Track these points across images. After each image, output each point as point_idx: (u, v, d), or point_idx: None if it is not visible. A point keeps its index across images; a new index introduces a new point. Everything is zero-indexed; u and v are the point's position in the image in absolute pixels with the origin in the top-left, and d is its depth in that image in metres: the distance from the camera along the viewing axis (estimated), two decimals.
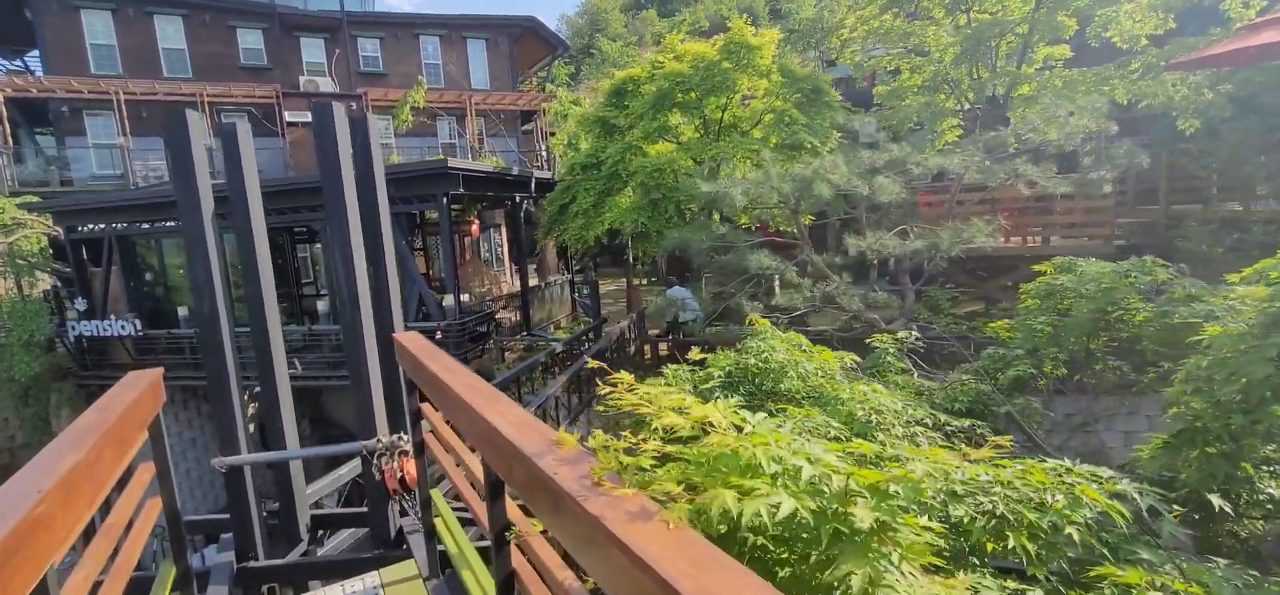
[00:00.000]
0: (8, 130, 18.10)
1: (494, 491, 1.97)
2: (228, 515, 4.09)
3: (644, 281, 19.19)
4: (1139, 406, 6.63)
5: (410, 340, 3.09)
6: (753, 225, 11.97)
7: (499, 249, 21.62)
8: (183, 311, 14.72)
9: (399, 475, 3.85)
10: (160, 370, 2.85)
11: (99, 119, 19.25)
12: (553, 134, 19.99)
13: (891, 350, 5.24)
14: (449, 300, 12.67)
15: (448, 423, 3.98)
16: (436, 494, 3.44)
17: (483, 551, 3.13)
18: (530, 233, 17.07)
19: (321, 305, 14.06)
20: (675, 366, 4.23)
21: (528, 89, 25.73)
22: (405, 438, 3.95)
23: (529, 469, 1.45)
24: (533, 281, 17.06)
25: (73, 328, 14.41)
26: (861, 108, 14.32)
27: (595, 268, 24.79)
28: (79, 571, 1.97)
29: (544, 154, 21.19)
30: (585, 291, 21.79)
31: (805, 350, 3.82)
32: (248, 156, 3.97)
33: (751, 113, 13.22)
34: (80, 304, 14.50)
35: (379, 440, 3.90)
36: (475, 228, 18.07)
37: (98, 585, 2.20)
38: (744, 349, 3.85)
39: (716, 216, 12.18)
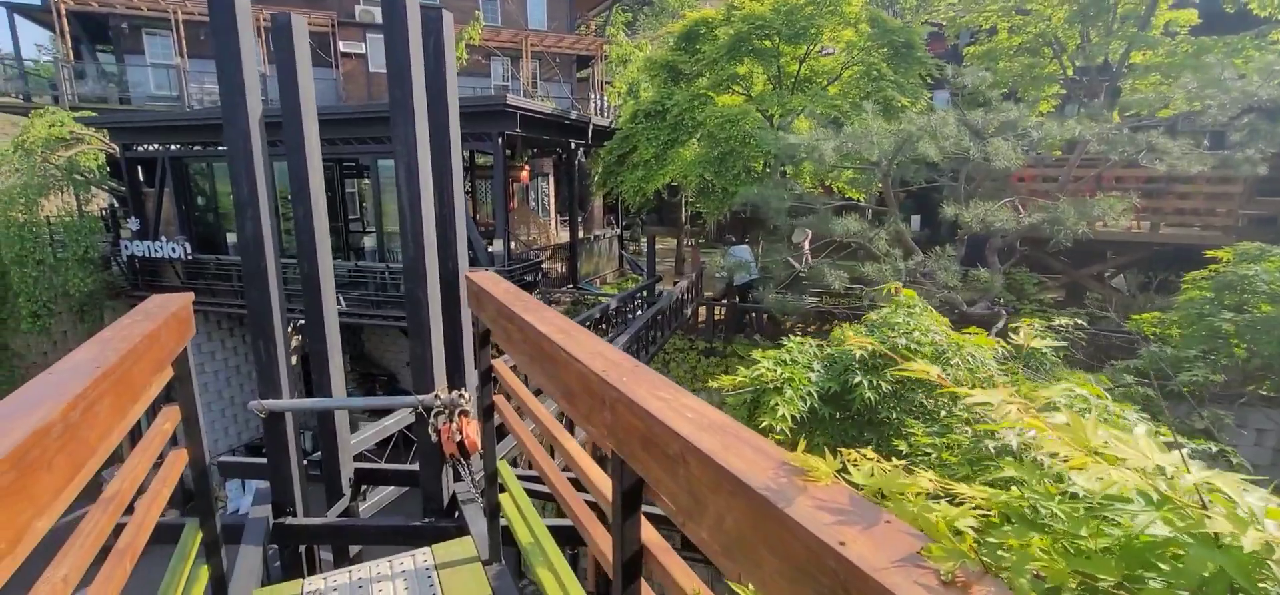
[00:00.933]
0: (69, 45, 18.12)
1: (628, 502, 1.38)
2: (265, 461, 3.65)
3: (693, 242, 18.43)
4: None
5: (488, 281, 2.50)
6: (816, 188, 11.09)
7: (545, 199, 21.08)
8: (232, 238, 14.62)
9: (458, 438, 3.33)
10: (189, 296, 2.33)
11: (157, 39, 19.17)
12: (609, 83, 19.13)
13: (1045, 339, 4.40)
14: (497, 246, 12.20)
15: (533, 389, 3.36)
16: (505, 469, 2.89)
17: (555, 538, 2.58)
18: (580, 185, 16.43)
19: (368, 241, 13.76)
20: (798, 339, 3.59)
21: (585, 33, 24.80)
22: (466, 395, 3.42)
23: (763, 516, 0.84)
24: (580, 235, 16.49)
25: (125, 247, 14.46)
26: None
27: (642, 225, 24.12)
28: (84, 534, 1.48)
29: (599, 102, 20.37)
30: (631, 248, 21.18)
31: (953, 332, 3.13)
32: (303, 57, 3.40)
33: (829, 67, 12.21)
34: (133, 224, 14.51)
35: (437, 396, 3.37)
36: (525, 174, 17.51)
37: (107, 549, 1.72)
38: (885, 324, 3.18)
39: (792, 176, 11.33)
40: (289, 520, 3.54)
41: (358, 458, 4.68)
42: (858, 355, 3.03)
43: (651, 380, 1.30)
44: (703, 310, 10.83)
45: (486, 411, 2.79)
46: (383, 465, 4.40)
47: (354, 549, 4.05)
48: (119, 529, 1.72)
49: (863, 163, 8.10)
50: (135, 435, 2.03)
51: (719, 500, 0.94)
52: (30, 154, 14.09)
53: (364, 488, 4.41)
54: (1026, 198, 9.62)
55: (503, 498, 2.92)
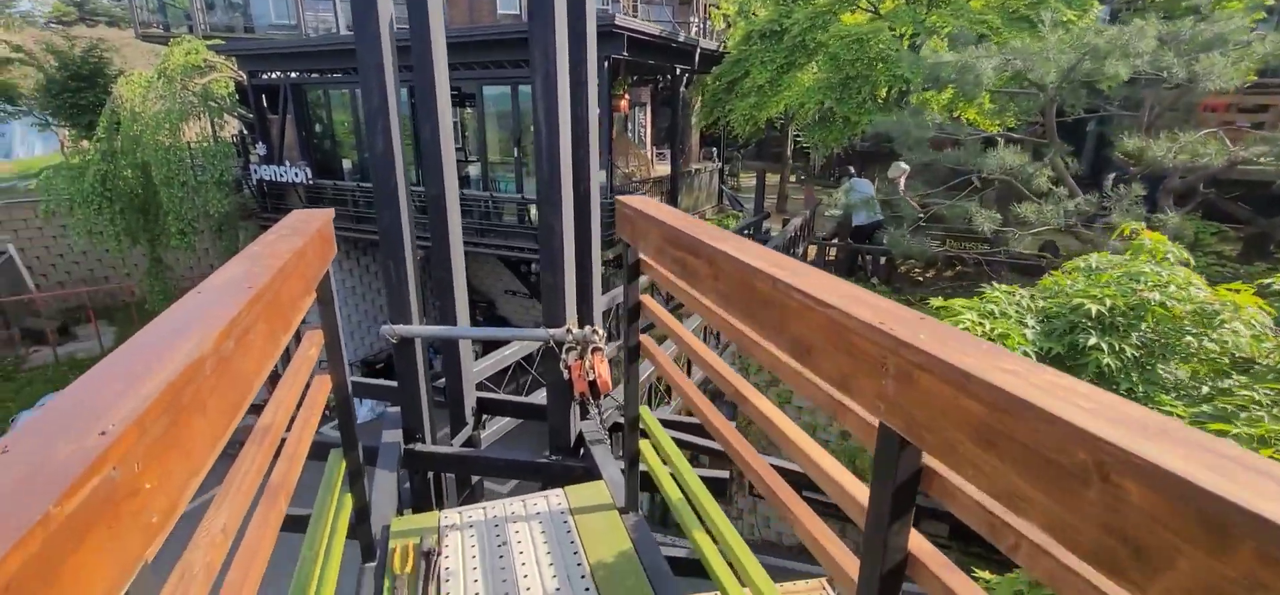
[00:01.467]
0: None
1: (900, 500, 1.03)
2: (395, 385, 3.60)
3: (805, 178, 17.44)
4: None
5: (649, 206, 2.16)
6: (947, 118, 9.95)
7: (642, 130, 20.54)
8: (347, 165, 15.20)
9: (590, 377, 3.10)
10: (330, 212, 2.14)
11: None
12: (715, 5, 18.03)
13: None
14: (600, 176, 11.94)
15: (695, 337, 3.00)
16: (648, 415, 2.62)
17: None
18: (680, 116, 15.78)
19: (472, 170, 13.89)
20: (1005, 288, 3.04)
21: None
22: (600, 333, 3.17)
23: None
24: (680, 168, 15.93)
25: (255, 171, 15.38)
26: None
27: (742, 159, 23.15)
28: (240, 474, 1.32)
29: (703, 25, 19.33)
30: (731, 182, 20.39)
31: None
32: None
33: None
34: (260, 149, 15.36)
35: (569, 331, 3.14)
36: (624, 103, 17.02)
37: (264, 481, 1.59)
38: (1126, 275, 2.57)
39: (916, 103, 10.24)
40: (418, 447, 3.49)
41: (479, 387, 4.63)
42: (1093, 311, 2.45)
43: (964, 342, 0.92)
44: (812, 250, 10.18)
45: (632, 352, 2.51)
46: (505, 396, 4.32)
47: (475, 479, 4.00)
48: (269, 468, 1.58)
49: (1024, 86, 7.04)
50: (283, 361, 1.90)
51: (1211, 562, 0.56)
52: (171, 81, 15.09)
53: (484, 417, 4.34)
54: (1217, 129, 8.21)
55: (644, 446, 2.67)
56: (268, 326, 1.30)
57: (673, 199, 14.62)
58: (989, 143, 7.12)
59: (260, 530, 1.42)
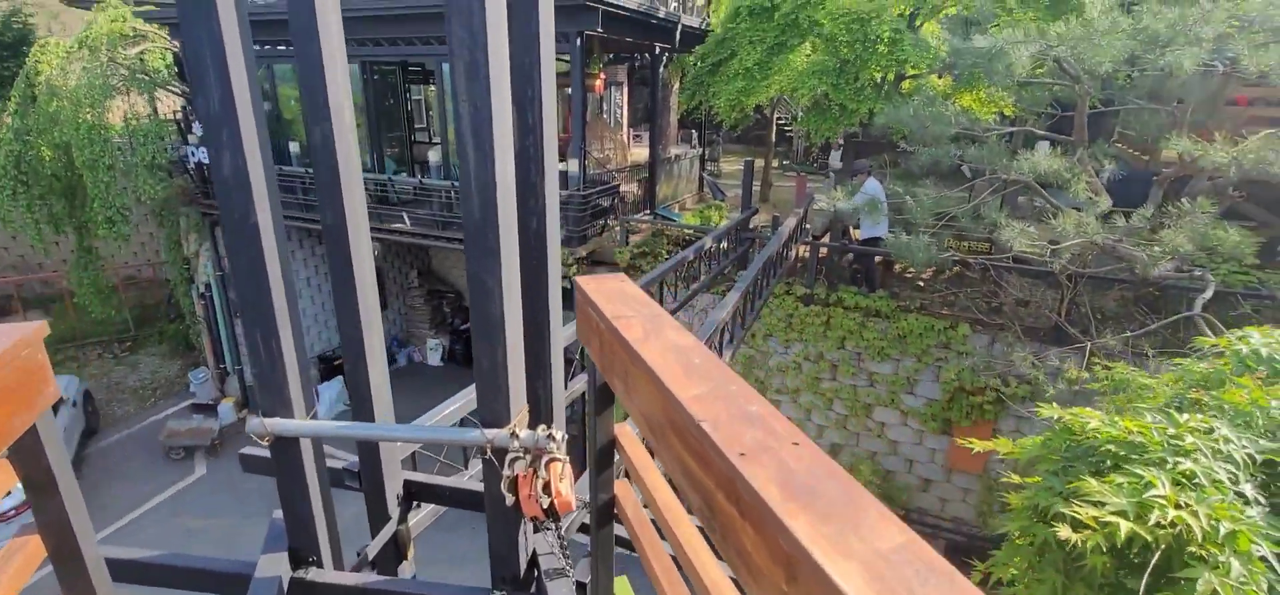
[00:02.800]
0: None
1: None
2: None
3: (801, 170, 16.60)
4: None
5: (606, 291, 1.25)
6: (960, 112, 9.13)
7: (618, 112, 19.45)
8: (295, 148, 13.93)
9: (545, 502, 2.18)
10: (40, 329, 1.17)
11: None
12: None
13: None
14: (572, 166, 10.93)
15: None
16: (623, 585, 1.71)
17: None
18: (658, 98, 14.76)
19: (433, 155, 12.75)
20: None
21: None
22: (557, 437, 2.24)
23: None
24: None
25: (191, 153, 14.01)
26: None
27: (721, 144, 22.22)
28: None
29: (682, 1, 18.23)
30: (710, 168, 19.47)
31: None
32: None
33: None
34: (197, 129, 13.99)
35: (514, 434, 2.20)
36: (599, 83, 15.94)
37: None
38: None
39: (910, 90, 9.41)
40: (311, 575, 2.54)
41: (410, 462, 3.68)
42: None
43: None
44: (803, 248, 9.35)
45: (603, 513, 1.60)
46: (444, 483, 3.37)
47: None
48: None
49: (1057, 76, 6.21)
50: None
51: None
52: (96, 51, 13.57)
53: (415, 503, 3.40)
54: (1249, 126, 7.52)
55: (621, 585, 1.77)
56: None
57: (651, 186, 13.66)
58: (975, 140, 6.33)
59: None
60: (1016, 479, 2.34)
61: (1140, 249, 5.82)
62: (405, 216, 12.52)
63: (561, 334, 2.41)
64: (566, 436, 2.37)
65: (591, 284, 1.44)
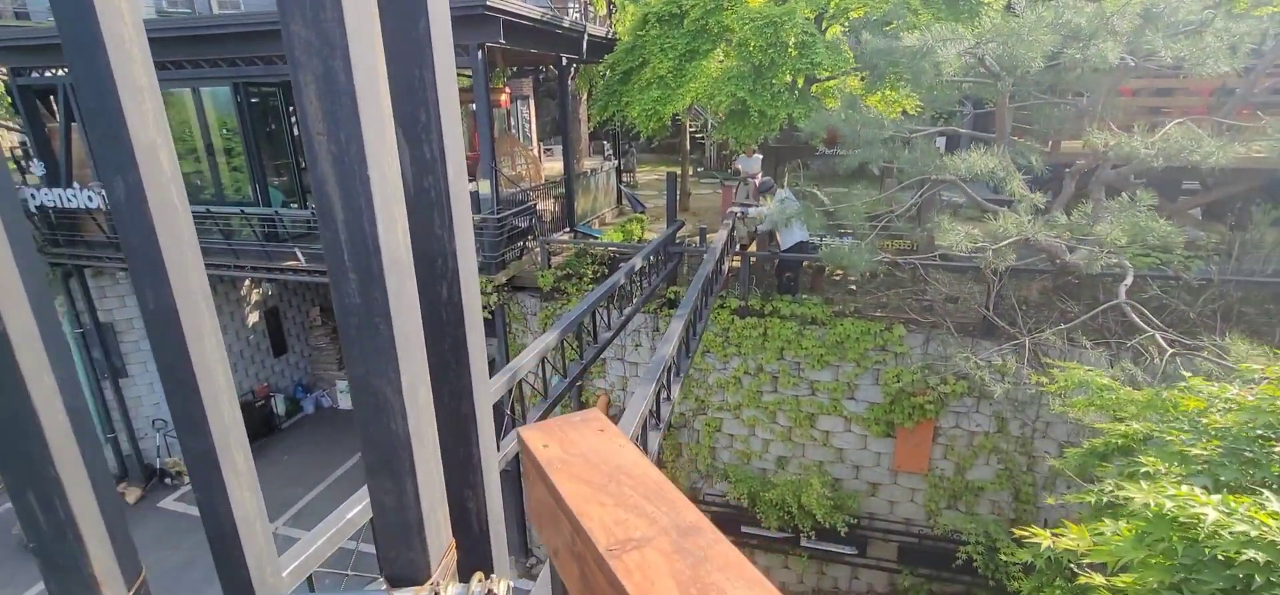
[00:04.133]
0: None
1: None
2: None
3: (723, 180, 16.45)
4: None
5: (580, 456, 0.68)
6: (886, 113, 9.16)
7: (526, 126, 18.72)
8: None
9: None
10: None
11: None
12: None
13: None
14: (483, 187, 10.17)
15: None
16: None
17: None
18: (567, 109, 14.21)
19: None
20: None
21: None
22: (502, 586, 1.63)
23: None
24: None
25: (32, 196, 12.09)
26: None
27: (635, 153, 21.92)
28: None
29: (585, 8, 17.78)
30: (627, 179, 19.10)
31: None
32: None
33: None
34: (37, 168, 12.10)
35: (435, 588, 1.58)
36: (506, 98, 15.21)
37: None
38: None
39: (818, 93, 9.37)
40: None
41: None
42: None
43: None
44: (735, 260, 9.07)
45: None
46: None
47: None
48: None
49: (981, 76, 6.21)
50: None
51: None
52: None
53: None
54: (1136, 117, 7.89)
55: None
56: None
57: (569, 203, 13.05)
58: (906, 142, 6.27)
59: None
60: (1099, 582, 1.95)
61: (1071, 242, 5.89)
62: (298, 252, 11.29)
63: (494, 448, 1.80)
64: (517, 572, 1.76)
65: (537, 437, 0.88)
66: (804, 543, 9.54)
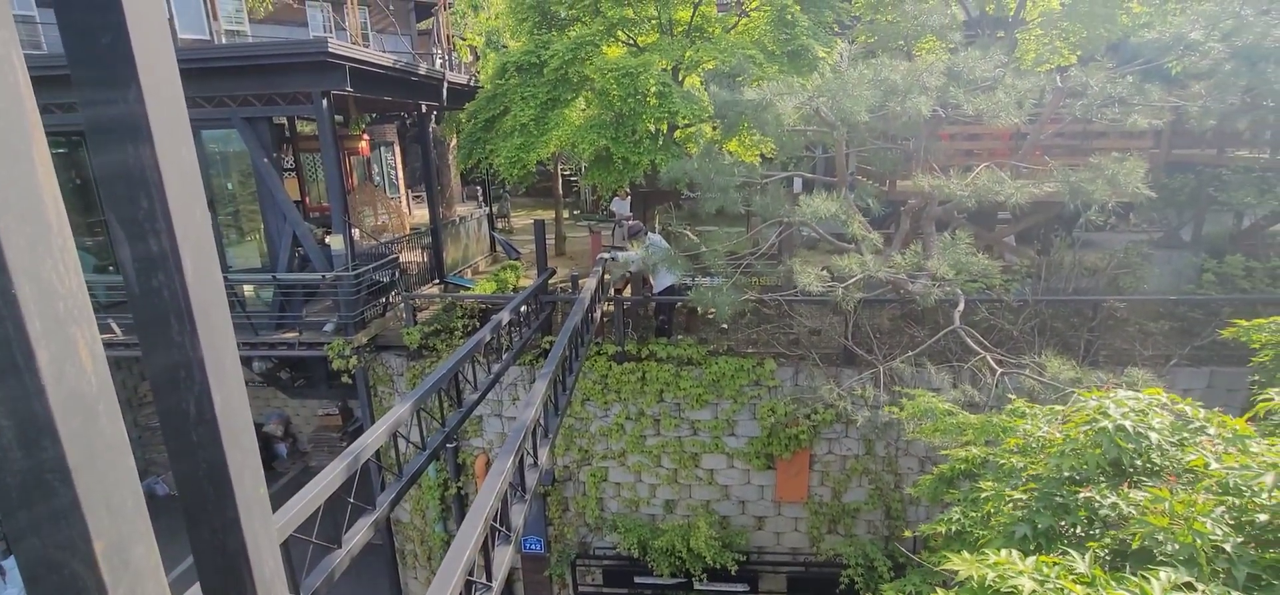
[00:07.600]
0: None
1: None
2: None
3: (593, 226, 16.41)
4: None
5: None
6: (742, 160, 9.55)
7: (392, 173, 17.82)
8: None
9: None
10: None
11: None
12: (462, 36, 16.18)
13: None
14: (337, 241, 9.41)
15: None
16: None
17: None
18: (435, 157, 13.69)
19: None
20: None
21: None
22: None
23: None
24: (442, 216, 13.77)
25: None
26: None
27: (508, 199, 21.54)
28: None
29: (448, 57, 17.37)
30: (501, 225, 18.66)
31: None
32: None
33: (723, 19, 10.72)
34: None
35: None
36: (365, 145, 14.36)
37: None
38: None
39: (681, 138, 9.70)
40: None
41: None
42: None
43: None
44: (608, 305, 8.99)
45: None
46: None
47: None
48: None
49: (820, 125, 6.65)
50: None
51: None
52: None
53: None
54: (954, 159, 8.81)
55: None
56: None
57: (437, 252, 12.45)
58: (760, 187, 6.62)
59: None
60: None
61: (912, 273, 6.40)
62: (113, 324, 9.82)
63: (273, 543, 1.48)
64: None
65: None
66: (697, 587, 9.46)
